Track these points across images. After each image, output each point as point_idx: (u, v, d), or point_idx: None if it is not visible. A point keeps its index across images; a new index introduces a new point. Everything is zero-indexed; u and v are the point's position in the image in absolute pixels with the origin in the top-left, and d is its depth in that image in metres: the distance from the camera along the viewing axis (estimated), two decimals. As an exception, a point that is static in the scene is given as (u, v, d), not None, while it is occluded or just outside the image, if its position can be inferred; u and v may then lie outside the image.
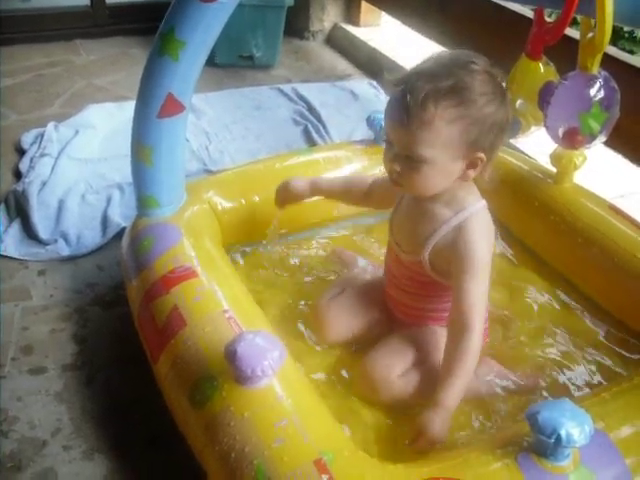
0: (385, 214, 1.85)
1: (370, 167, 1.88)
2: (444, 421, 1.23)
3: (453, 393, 1.26)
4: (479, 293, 1.30)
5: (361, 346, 1.52)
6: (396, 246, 1.45)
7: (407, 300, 1.48)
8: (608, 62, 1.67)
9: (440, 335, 1.43)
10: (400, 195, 1.46)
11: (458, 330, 1.29)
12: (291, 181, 1.64)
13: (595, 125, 1.60)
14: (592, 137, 1.64)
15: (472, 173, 1.28)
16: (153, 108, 1.49)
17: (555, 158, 1.77)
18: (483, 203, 1.36)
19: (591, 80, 1.59)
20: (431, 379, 1.36)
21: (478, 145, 1.24)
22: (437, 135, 1.21)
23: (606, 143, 2.17)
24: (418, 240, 1.37)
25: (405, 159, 1.26)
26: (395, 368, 1.36)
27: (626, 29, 4.16)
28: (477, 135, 1.23)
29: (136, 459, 1.36)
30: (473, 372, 1.30)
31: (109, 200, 2.15)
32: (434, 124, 1.20)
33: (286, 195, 1.65)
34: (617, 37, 3.97)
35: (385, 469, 1.09)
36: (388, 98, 1.29)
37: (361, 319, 1.52)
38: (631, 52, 3.79)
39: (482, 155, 1.25)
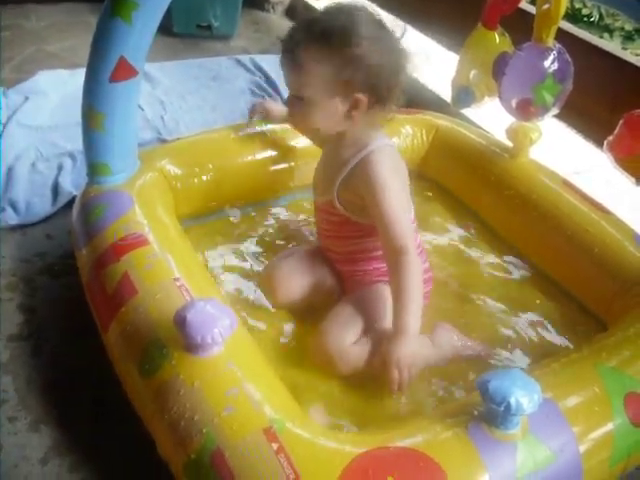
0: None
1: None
2: (410, 346, 1.26)
3: (410, 317, 1.28)
4: (397, 213, 1.35)
5: (314, 312, 1.51)
6: (314, 193, 1.53)
7: (333, 246, 1.53)
8: (564, 38, 1.67)
9: (387, 292, 1.43)
10: (323, 149, 1.54)
11: (392, 256, 1.34)
12: (270, 103, 1.85)
13: (548, 97, 1.61)
14: (545, 109, 1.65)
15: (356, 114, 1.34)
16: (105, 72, 1.44)
17: (511, 133, 1.79)
18: (388, 142, 1.43)
19: (545, 52, 1.60)
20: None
21: (355, 85, 1.31)
22: (309, 75, 1.31)
23: (563, 120, 2.20)
24: (328, 181, 1.44)
25: (295, 100, 1.37)
26: (348, 337, 1.36)
27: (584, 12, 4.20)
28: (351, 75, 1.30)
29: (83, 430, 1.33)
30: (422, 294, 1.33)
31: (60, 168, 2.09)
32: (305, 65, 1.30)
33: (259, 110, 1.82)
34: (575, 20, 4.01)
35: (335, 437, 1.08)
36: None
37: (309, 278, 1.54)
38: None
39: (362, 96, 1.31)
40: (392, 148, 1.44)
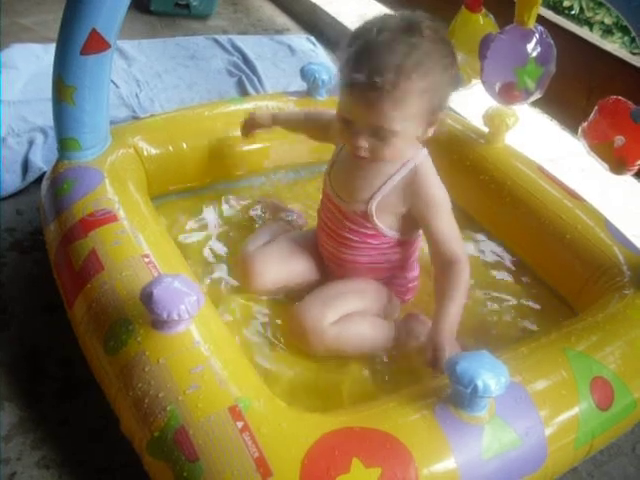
0: (315, 167, 1.85)
1: (303, 118, 1.85)
2: (453, 338, 1.27)
3: (454, 316, 1.29)
4: (452, 229, 1.35)
5: (290, 296, 1.51)
6: (336, 197, 1.42)
7: (342, 254, 1.46)
8: (542, 25, 1.67)
9: (376, 286, 1.45)
10: (340, 145, 1.44)
11: (445, 264, 1.33)
12: (254, 114, 1.70)
13: (531, 80, 1.60)
14: (528, 93, 1.65)
15: (431, 131, 1.30)
16: (76, 44, 1.41)
17: (488, 118, 1.78)
18: (425, 150, 1.38)
19: (528, 34, 1.59)
20: (366, 327, 1.38)
21: (441, 107, 1.26)
22: (409, 109, 1.20)
23: (540, 107, 2.20)
24: (365, 191, 1.37)
25: (371, 133, 1.24)
26: (328, 315, 1.35)
27: (565, 4, 4.21)
28: (440, 99, 1.25)
29: (48, 407, 1.31)
30: (465, 301, 1.33)
31: (31, 144, 2.05)
32: (407, 100, 1.19)
33: (251, 124, 1.70)
34: (556, 12, 4.01)
35: (301, 417, 1.08)
36: (341, 73, 1.25)
37: (290, 269, 1.51)
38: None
39: (441, 114, 1.28)
40: (429, 156, 1.38)
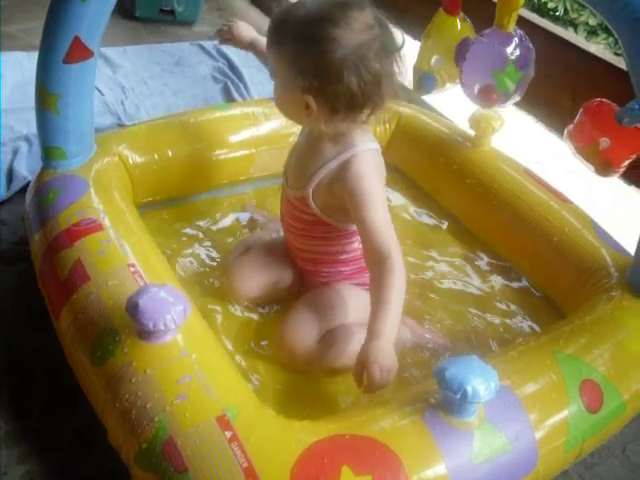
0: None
1: (288, 125, 1.84)
2: (389, 349, 1.18)
3: (388, 321, 1.21)
4: (380, 219, 1.29)
5: (273, 308, 1.52)
6: (285, 182, 1.45)
7: (299, 244, 1.48)
8: (527, 28, 1.67)
9: (351, 291, 1.44)
10: (301, 133, 1.46)
11: (376, 261, 1.27)
12: (239, 27, 1.71)
13: (510, 84, 1.61)
14: (507, 96, 1.65)
15: (310, 113, 1.26)
16: (59, 53, 1.41)
17: (474, 121, 1.78)
18: (375, 146, 1.36)
19: (507, 38, 1.59)
20: (350, 342, 1.36)
21: (305, 83, 1.23)
22: (275, 60, 1.28)
23: (526, 109, 2.21)
24: (305, 175, 1.37)
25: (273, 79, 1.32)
26: (312, 335, 1.35)
27: (550, 6, 4.23)
28: (303, 71, 1.22)
29: (35, 419, 1.30)
30: (402, 302, 1.26)
31: (15, 153, 2.03)
32: (272, 50, 1.28)
33: (228, 38, 1.73)
34: (541, 14, 4.03)
35: (290, 425, 1.07)
36: None
37: (267, 276, 1.50)
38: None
39: (310, 100, 1.24)
40: (377, 152, 1.37)
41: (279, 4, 3.42)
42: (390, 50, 1.25)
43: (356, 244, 1.43)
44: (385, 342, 1.18)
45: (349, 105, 1.24)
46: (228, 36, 1.72)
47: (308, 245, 1.46)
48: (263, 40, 1.61)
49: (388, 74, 1.25)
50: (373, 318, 1.22)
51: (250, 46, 1.69)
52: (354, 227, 1.39)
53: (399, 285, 1.24)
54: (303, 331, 1.36)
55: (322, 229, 1.41)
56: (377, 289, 1.25)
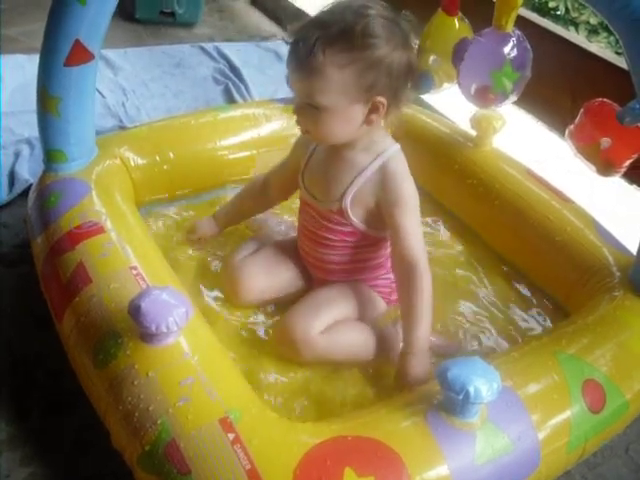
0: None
1: (289, 126, 1.84)
2: (421, 362, 1.26)
3: (420, 333, 1.27)
4: (416, 228, 1.33)
5: (277, 307, 1.51)
6: (311, 198, 1.43)
7: (319, 254, 1.46)
8: (527, 27, 1.67)
9: (362, 289, 1.44)
10: (311, 148, 1.44)
11: (405, 269, 1.31)
12: (201, 226, 1.64)
13: (507, 84, 1.61)
14: (504, 96, 1.65)
15: (375, 117, 1.27)
16: (59, 55, 1.41)
17: (475, 121, 1.78)
18: (398, 146, 1.37)
19: (504, 38, 1.60)
20: (355, 334, 1.38)
21: (377, 89, 1.23)
22: (330, 81, 1.20)
23: (526, 109, 2.21)
24: (338, 188, 1.37)
25: (307, 108, 1.25)
26: (315, 325, 1.34)
27: (551, 5, 4.23)
28: (374, 79, 1.22)
29: (37, 422, 1.30)
30: (431, 309, 1.31)
31: (17, 156, 2.04)
32: (325, 71, 1.20)
33: (201, 236, 1.65)
34: (542, 13, 4.03)
35: (293, 427, 1.07)
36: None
37: (276, 279, 1.50)
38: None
39: (382, 99, 1.25)
40: (402, 152, 1.38)
41: (279, 5, 3.43)
42: (409, 43, 1.27)
43: (383, 250, 1.45)
44: (419, 353, 1.27)
45: (402, 97, 1.28)
46: (199, 242, 1.66)
47: (334, 255, 1.45)
48: (223, 211, 1.65)
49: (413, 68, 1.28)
50: (406, 327, 1.29)
51: (225, 224, 1.66)
52: (384, 234, 1.40)
53: (427, 291, 1.29)
54: (304, 321, 1.35)
55: (357, 238, 1.41)
56: (407, 295, 1.30)
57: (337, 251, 1.44)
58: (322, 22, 1.21)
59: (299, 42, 1.21)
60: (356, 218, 1.37)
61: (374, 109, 1.26)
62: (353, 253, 1.43)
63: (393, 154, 1.34)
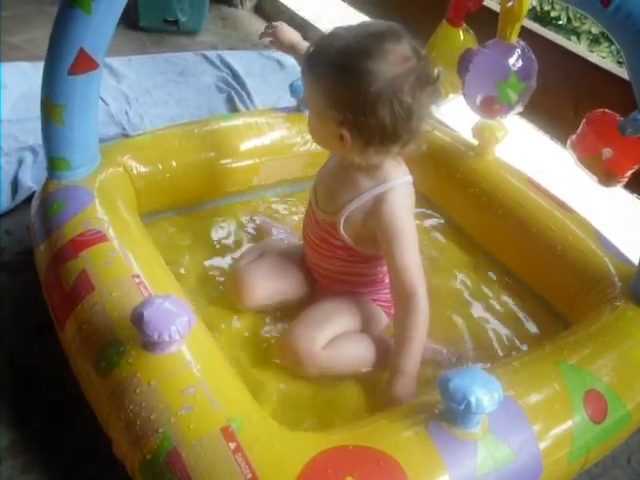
0: (305, 183, 1.84)
1: (292, 135, 1.86)
2: (408, 388, 1.26)
3: (411, 359, 1.28)
4: (410, 258, 1.31)
5: (281, 313, 1.51)
6: (315, 204, 1.44)
7: (320, 261, 1.48)
8: (531, 38, 1.68)
9: (364, 302, 1.44)
10: (330, 155, 1.45)
11: (402, 297, 1.31)
12: (283, 29, 1.62)
13: (512, 95, 1.62)
14: (509, 107, 1.66)
15: (344, 145, 1.25)
16: (64, 64, 1.41)
17: (477, 131, 1.79)
18: (408, 179, 1.36)
19: (509, 49, 1.60)
20: (357, 347, 1.38)
21: (340, 116, 1.22)
22: (309, 91, 1.29)
23: (529, 119, 2.21)
24: (337, 202, 1.37)
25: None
26: (318, 340, 1.34)
27: (553, 15, 4.24)
28: (338, 104, 1.21)
29: (39, 429, 1.30)
30: (425, 337, 1.31)
31: (21, 163, 2.05)
32: (308, 81, 1.29)
33: (273, 37, 1.63)
34: (544, 23, 4.04)
35: (294, 437, 1.07)
36: None
37: (281, 283, 1.50)
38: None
39: (344, 131, 1.23)
40: (410, 185, 1.36)
41: (283, 14, 3.44)
42: (425, 82, 1.23)
43: (380, 267, 1.45)
44: (405, 381, 1.27)
45: (382, 139, 1.23)
46: (270, 37, 1.66)
47: (330, 265, 1.46)
48: (304, 44, 1.60)
49: (422, 108, 1.24)
50: (396, 354, 1.30)
51: (291, 49, 1.63)
52: (377, 254, 1.40)
53: (422, 324, 1.30)
54: (307, 335, 1.35)
55: (349, 253, 1.41)
56: (401, 326, 1.31)
57: (332, 261, 1.45)
58: (331, 38, 1.24)
59: (310, 47, 1.29)
60: (347, 235, 1.38)
61: (343, 127, 1.24)
62: (347, 266, 1.44)
63: (397, 186, 1.33)
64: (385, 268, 1.40)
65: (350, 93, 1.20)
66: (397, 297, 1.34)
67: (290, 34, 1.63)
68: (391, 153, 1.28)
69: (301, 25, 3.30)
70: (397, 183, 1.33)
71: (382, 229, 1.32)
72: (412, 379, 1.28)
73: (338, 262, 1.44)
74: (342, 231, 1.37)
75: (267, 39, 1.64)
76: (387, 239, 1.31)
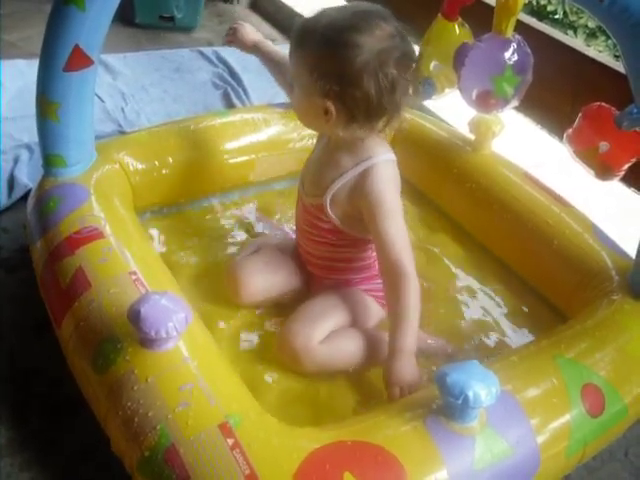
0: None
1: (288, 131, 1.85)
2: (409, 365, 1.25)
3: (407, 337, 1.26)
4: (396, 232, 1.31)
5: (277, 309, 1.51)
6: (301, 188, 1.46)
7: (311, 249, 1.48)
8: (528, 33, 1.68)
9: (357, 297, 1.44)
10: (316, 144, 1.47)
11: (392, 275, 1.30)
12: (244, 30, 1.69)
13: (508, 89, 1.61)
14: (505, 101, 1.66)
15: (329, 119, 1.27)
16: (58, 61, 1.41)
17: (474, 125, 1.79)
18: (392, 157, 1.37)
19: (505, 43, 1.60)
20: (354, 342, 1.38)
21: (326, 87, 1.24)
22: (296, 66, 1.29)
23: (525, 113, 2.21)
24: (322, 184, 1.38)
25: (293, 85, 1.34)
26: (315, 335, 1.35)
27: (550, 9, 4.24)
28: (325, 75, 1.23)
29: (37, 427, 1.30)
30: (418, 314, 1.30)
31: (17, 160, 2.04)
32: (294, 55, 1.29)
33: (232, 40, 1.71)
34: (540, 17, 4.04)
35: (292, 432, 1.07)
36: None
37: (275, 277, 1.51)
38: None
39: (330, 105, 1.25)
40: (394, 163, 1.37)
41: (279, 10, 3.43)
42: (409, 59, 1.27)
43: (369, 252, 1.45)
44: (405, 359, 1.25)
45: (367, 112, 1.26)
46: (231, 38, 1.71)
47: (321, 251, 1.47)
48: (268, 43, 1.64)
49: (404, 83, 1.26)
50: (392, 335, 1.28)
51: (254, 49, 1.68)
52: (365, 236, 1.41)
53: (414, 299, 1.29)
54: (304, 331, 1.35)
55: (338, 236, 1.42)
56: (393, 303, 1.30)
57: (321, 247, 1.45)
58: (317, 13, 1.28)
59: (297, 23, 1.30)
60: (335, 216, 1.39)
61: (326, 111, 1.26)
62: (336, 251, 1.45)
63: (380, 162, 1.34)
64: (375, 253, 1.40)
65: (336, 65, 1.22)
66: (385, 272, 1.33)
67: (252, 34, 1.67)
68: (375, 130, 1.30)
69: (296, 20, 3.30)
70: (380, 159, 1.34)
71: (366, 204, 1.32)
72: (411, 356, 1.26)
73: (327, 247, 1.45)
74: (329, 212, 1.38)
75: (228, 40, 1.69)
76: (372, 214, 1.32)
